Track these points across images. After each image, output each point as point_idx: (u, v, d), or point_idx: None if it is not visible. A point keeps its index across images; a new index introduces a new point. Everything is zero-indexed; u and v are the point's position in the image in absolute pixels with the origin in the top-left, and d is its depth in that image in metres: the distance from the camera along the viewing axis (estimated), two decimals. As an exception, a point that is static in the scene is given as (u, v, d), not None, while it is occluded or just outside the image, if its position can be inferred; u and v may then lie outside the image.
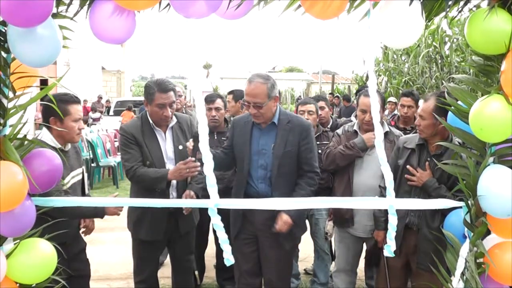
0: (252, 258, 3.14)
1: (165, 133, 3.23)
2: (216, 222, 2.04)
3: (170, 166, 3.17)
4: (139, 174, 3.08)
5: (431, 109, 2.84)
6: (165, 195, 3.13)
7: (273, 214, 2.93)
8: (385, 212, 3.04)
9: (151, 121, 3.18)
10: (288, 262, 3.22)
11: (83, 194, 3.09)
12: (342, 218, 3.53)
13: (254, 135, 3.07)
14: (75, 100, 2.88)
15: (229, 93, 4.87)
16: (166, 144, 3.22)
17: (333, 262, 4.04)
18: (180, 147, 3.23)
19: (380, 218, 3.16)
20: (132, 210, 3.30)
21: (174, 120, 3.25)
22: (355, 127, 3.56)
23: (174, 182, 3.21)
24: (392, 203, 2.04)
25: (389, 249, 2.10)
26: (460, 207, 2.13)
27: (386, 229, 3.02)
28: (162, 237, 3.25)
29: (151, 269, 3.38)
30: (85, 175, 3.19)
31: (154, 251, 3.36)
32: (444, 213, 2.42)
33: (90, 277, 3.18)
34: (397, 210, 2.94)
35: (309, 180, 3.06)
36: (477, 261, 1.99)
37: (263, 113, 2.97)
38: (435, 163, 2.84)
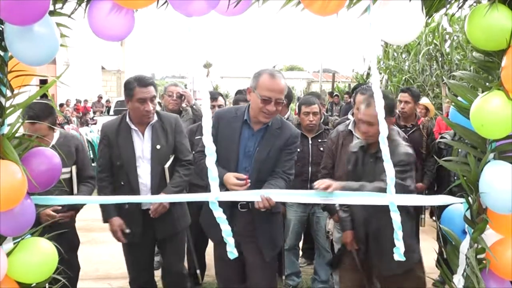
0: (235, 266, 2.91)
1: (143, 132, 3.13)
2: (218, 215, 2.04)
3: (145, 165, 3.11)
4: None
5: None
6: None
7: (253, 218, 2.80)
8: (350, 212, 2.99)
9: (128, 120, 3.12)
10: (273, 267, 3.05)
11: (72, 194, 3.09)
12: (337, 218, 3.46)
13: (243, 135, 2.86)
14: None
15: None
16: (144, 143, 3.13)
17: None
18: (158, 146, 3.12)
19: (345, 218, 3.04)
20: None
21: (155, 118, 3.15)
22: (350, 127, 3.44)
23: (148, 182, 3.12)
24: (393, 200, 2.04)
25: (399, 251, 2.05)
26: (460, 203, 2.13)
27: (353, 228, 2.99)
28: (139, 239, 3.13)
29: (138, 270, 3.27)
30: (74, 175, 3.16)
31: (135, 253, 3.23)
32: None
33: (76, 279, 3.20)
34: (357, 216, 2.93)
35: (281, 180, 2.84)
36: (478, 256, 1.98)
37: (278, 111, 2.81)
38: (374, 162, 2.80)
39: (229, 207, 2.70)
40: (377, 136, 2.72)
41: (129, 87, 3.05)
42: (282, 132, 2.87)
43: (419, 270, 3.01)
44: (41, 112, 2.92)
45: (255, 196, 2.52)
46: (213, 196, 2.03)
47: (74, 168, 3.17)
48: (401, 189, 2.58)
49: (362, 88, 3.41)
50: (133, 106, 3.06)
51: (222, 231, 2.17)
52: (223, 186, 2.67)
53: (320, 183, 2.52)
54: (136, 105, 3.03)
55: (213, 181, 1.99)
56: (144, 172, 3.12)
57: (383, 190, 2.54)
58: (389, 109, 2.76)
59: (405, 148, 2.80)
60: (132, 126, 3.12)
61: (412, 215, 2.99)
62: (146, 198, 2.92)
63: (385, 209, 2.55)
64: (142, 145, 3.12)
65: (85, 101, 21.26)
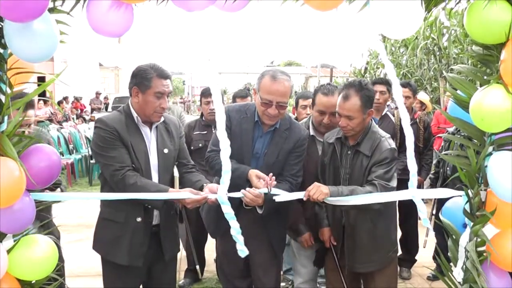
0: (238, 262, 2.83)
1: (149, 133, 2.66)
2: (227, 210, 2.08)
3: (153, 173, 2.62)
4: (133, 181, 2.46)
5: (359, 106, 2.66)
6: (148, 211, 2.61)
7: (258, 217, 2.74)
8: (326, 208, 2.95)
9: (135, 116, 2.59)
10: (277, 263, 3.03)
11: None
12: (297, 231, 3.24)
13: (254, 137, 2.80)
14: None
15: None
16: (151, 145, 2.64)
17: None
18: (166, 150, 2.66)
19: (322, 215, 3.00)
20: (104, 227, 2.67)
21: (162, 118, 2.68)
22: (312, 132, 3.18)
23: None
24: (414, 194, 2.11)
25: (425, 221, 2.17)
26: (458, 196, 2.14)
27: (329, 225, 2.97)
28: (142, 262, 2.62)
29: None
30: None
31: (133, 279, 2.69)
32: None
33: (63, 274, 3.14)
34: (334, 212, 2.92)
35: (286, 182, 2.79)
36: (478, 249, 2.00)
37: (281, 114, 2.72)
38: (352, 155, 2.78)
39: (235, 205, 2.63)
40: (357, 129, 2.72)
41: (146, 76, 2.53)
42: (290, 134, 2.82)
43: (394, 266, 3.02)
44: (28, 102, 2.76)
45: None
46: (223, 193, 2.07)
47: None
48: (388, 192, 2.59)
49: (323, 88, 3.16)
50: (145, 100, 2.54)
51: (230, 228, 2.17)
52: (247, 182, 2.65)
53: (312, 192, 2.49)
54: (151, 99, 2.53)
55: (225, 174, 2.00)
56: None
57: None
58: (369, 100, 2.72)
59: (388, 142, 2.74)
60: (141, 125, 2.62)
61: (394, 212, 2.98)
62: (157, 195, 2.45)
63: (359, 206, 2.55)
64: (150, 148, 2.65)
65: (80, 98, 21.19)
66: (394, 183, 2.68)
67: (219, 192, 2.07)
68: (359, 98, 2.66)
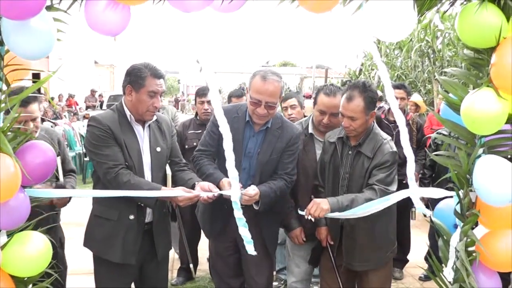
0: (231, 261, 2.99)
1: (142, 132, 2.69)
2: (239, 216, 2.14)
3: (146, 171, 2.65)
4: (126, 179, 2.48)
5: (362, 107, 2.69)
6: (140, 209, 2.64)
7: (251, 215, 2.70)
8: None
9: (129, 114, 2.63)
10: (270, 263, 3.07)
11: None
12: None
13: (245, 136, 2.83)
14: (26, 100, 2.69)
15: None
16: (143, 144, 2.67)
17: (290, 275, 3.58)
18: (158, 149, 2.70)
19: None
20: (97, 224, 2.68)
21: (154, 117, 2.71)
22: (310, 130, 3.21)
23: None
24: (413, 192, 2.17)
25: (421, 209, 2.22)
26: (451, 197, 2.17)
27: (326, 224, 2.98)
28: (135, 260, 2.64)
29: None
30: (59, 165, 3.01)
31: (125, 277, 2.71)
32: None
33: (65, 276, 3.19)
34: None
35: (281, 180, 2.83)
36: (468, 249, 2.03)
37: (271, 114, 2.76)
38: (353, 155, 2.80)
39: (230, 205, 2.72)
40: (359, 130, 2.76)
41: (140, 75, 2.57)
42: (283, 132, 2.86)
43: (389, 267, 3.05)
44: (30, 95, 2.67)
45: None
46: (236, 197, 2.11)
47: (58, 158, 3.04)
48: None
49: (326, 88, 3.16)
50: (139, 99, 2.58)
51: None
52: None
53: (312, 210, 2.57)
54: (144, 98, 2.57)
55: (234, 180, 2.05)
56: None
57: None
58: (373, 102, 2.74)
59: (389, 144, 2.78)
60: (134, 124, 2.66)
61: (393, 212, 3.00)
62: (150, 193, 2.45)
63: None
64: (143, 146, 2.68)
65: (73, 96, 21.05)
66: (394, 187, 2.71)
67: (232, 196, 2.13)
68: (362, 100, 2.69)
